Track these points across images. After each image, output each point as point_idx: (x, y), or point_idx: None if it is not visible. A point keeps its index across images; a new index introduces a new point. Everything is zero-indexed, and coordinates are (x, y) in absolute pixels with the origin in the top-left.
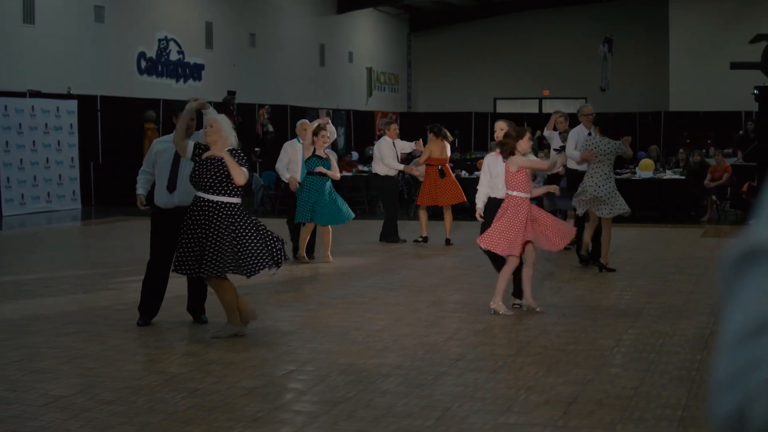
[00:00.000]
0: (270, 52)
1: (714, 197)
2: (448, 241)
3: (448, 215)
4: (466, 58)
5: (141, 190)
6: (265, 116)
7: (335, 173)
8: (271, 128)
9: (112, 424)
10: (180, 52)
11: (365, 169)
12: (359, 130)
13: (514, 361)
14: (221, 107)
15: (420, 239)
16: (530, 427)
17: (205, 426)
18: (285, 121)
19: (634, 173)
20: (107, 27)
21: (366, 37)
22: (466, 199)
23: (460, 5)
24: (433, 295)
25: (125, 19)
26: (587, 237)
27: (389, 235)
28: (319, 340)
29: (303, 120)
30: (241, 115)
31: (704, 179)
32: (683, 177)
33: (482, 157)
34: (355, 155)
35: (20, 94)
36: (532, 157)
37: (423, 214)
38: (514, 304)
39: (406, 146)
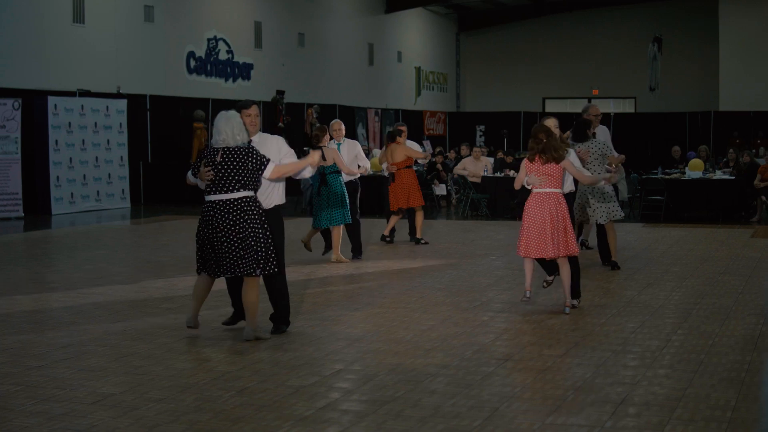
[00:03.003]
0: (319, 52)
1: (764, 197)
2: (418, 241)
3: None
4: (514, 57)
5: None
6: (314, 116)
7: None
8: None
9: (160, 422)
10: (229, 51)
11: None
12: (408, 130)
13: (563, 361)
14: (270, 107)
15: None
16: (578, 428)
17: (252, 425)
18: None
19: (684, 173)
20: (157, 26)
21: (415, 37)
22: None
23: (509, 5)
24: (482, 294)
25: (174, 19)
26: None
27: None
28: (367, 339)
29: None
30: (290, 114)
31: (754, 179)
32: (733, 177)
33: None
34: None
35: (70, 94)
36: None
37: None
38: (545, 281)
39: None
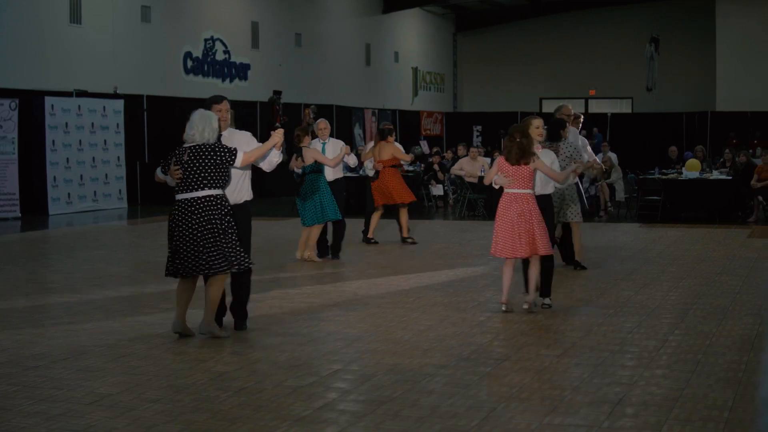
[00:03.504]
0: (316, 52)
1: (761, 198)
2: (405, 240)
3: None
4: (512, 57)
5: None
6: (311, 116)
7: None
8: None
9: (157, 422)
10: (226, 51)
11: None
12: (405, 130)
13: (560, 361)
14: (267, 107)
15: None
16: (575, 428)
17: (250, 425)
18: (331, 120)
19: (681, 173)
20: (154, 27)
21: (412, 37)
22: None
23: (506, 5)
24: (479, 294)
25: (172, 19)
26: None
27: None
28: (365, 339)
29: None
30: (287, 114)
31: (751, 179)
32: (730, 177)
33: None
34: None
35: (67, 94)
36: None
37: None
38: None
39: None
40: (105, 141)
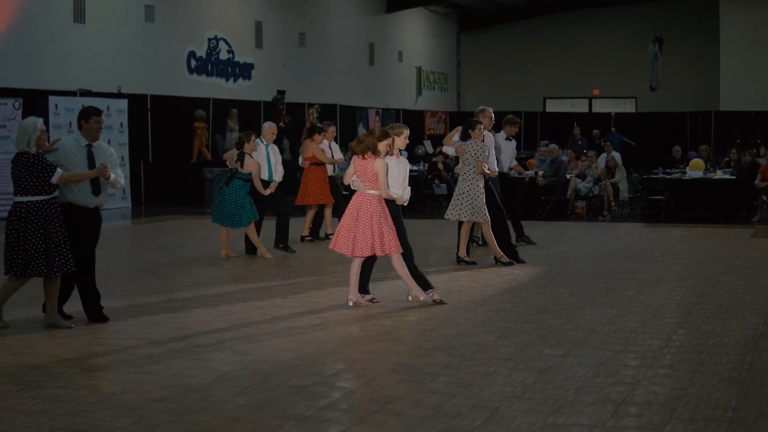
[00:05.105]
0: (319, 52)
1: (765, 197)
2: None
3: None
4: (515, 57)
5: None
6: (315, 115)
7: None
8: None
9: (161, 422)
10: (230, 51)
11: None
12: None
13: (564, 361)
14: (270, 107)
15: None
16: (579, 427)
17: (253, 424)
18: (334, 120)
19: (685, 173)
20: (157, 26)
21: (415, 37)
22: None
23: (509, 4)
24: (483, 294)
25: (175, 19)
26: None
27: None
28: (369, 339)
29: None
30: (291, 114)
31: (755, 179)
32: (734, 177)
33: (531, 157)
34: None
35: (71, 93)
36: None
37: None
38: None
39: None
40: (109, 140)
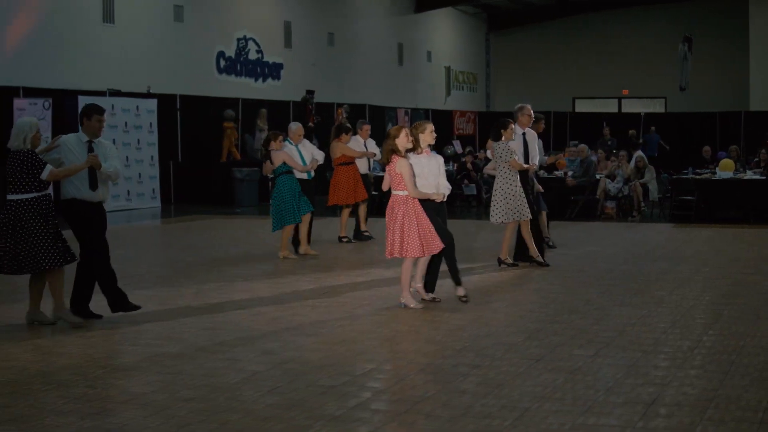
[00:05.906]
0: (348, 52)
1: None
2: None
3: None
4: (544, 57)
5: None
6: (344, 115)
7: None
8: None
9: (190, 421)
10: (259, 51)
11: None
12: (438, 130)
13: (593, 361)
14: (300, 106)
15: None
16: (609, 428)
17: (283, 424)
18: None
19: (715, 173)
20: (186, 26)
21: (444, 37)
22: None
23: (538, 4)
24: (512, 295)
25: (204, 19)
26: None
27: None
28: (398, 339)
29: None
30: (320, 114)
31: None
32: (764, 177)
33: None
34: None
35: (100, 93)
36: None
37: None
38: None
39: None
40: (138, 140)
